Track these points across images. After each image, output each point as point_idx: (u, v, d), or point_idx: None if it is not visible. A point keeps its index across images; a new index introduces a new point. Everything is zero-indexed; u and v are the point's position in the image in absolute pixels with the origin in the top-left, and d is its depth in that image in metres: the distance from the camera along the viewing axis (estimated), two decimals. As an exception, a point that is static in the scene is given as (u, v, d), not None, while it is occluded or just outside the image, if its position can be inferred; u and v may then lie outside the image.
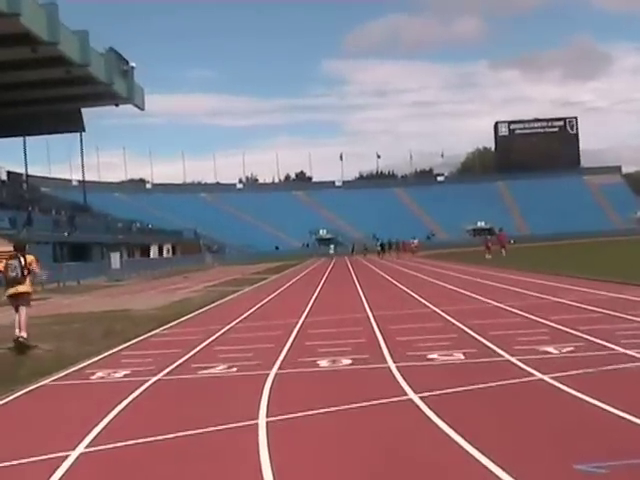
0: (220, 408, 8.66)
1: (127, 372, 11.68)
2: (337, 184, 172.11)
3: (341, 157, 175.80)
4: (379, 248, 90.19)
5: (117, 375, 11.50)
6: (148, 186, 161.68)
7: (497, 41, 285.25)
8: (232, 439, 7.24)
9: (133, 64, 66.98)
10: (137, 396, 9.72)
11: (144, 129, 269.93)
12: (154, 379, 10.88)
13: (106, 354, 13.99)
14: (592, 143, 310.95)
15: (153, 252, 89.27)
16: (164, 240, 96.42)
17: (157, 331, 17.53)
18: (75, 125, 75.01)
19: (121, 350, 14.57)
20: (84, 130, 77.97)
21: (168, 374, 11.32)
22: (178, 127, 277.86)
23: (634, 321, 13.96)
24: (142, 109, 73.91)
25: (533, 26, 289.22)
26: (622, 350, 10.76)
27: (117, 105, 70.73)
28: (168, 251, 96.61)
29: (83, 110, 74.48)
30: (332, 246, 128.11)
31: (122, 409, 8.93)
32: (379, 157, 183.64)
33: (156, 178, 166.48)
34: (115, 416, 8.55)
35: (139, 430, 7.74)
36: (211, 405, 8.90)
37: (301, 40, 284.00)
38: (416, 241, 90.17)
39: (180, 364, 12.20)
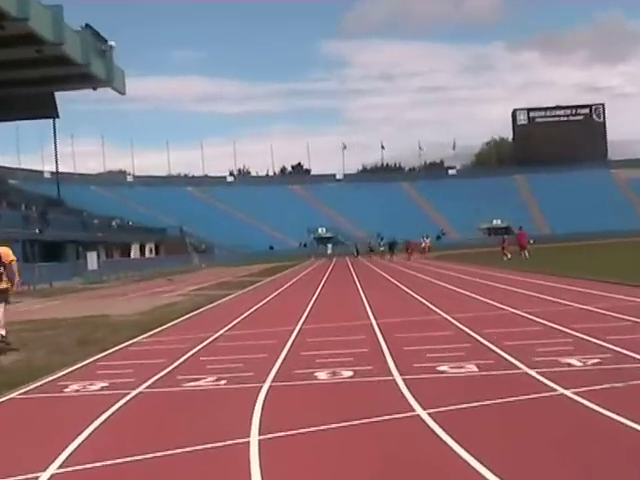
0: (208, 424, 8.67)
1: (105, 384, 11.67)
2: (338, 177, 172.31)
3: (344, 147, 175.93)
4: (382, 248, 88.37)
5: (94, 388, 11.49)
6: (129, 178, 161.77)
7: (515, 19, 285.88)
8: (221, 458, 7.24)
9: (112, 43, 67.07)
10: (116, 411, 9.71)
11: (125, 115, 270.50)
12: (135, 392, 10.88)
13: (82, 364, 13.98)
14: (621, 133, 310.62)
15: (134, 252, 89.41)
16: (146, 239, 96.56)
17: (138, 339, 17.53)
18: (48, 110, 75.13)
19: (98, 360, 14.56)
20: (58, 116, 78.23)
21: (150, 387, 11.32)
22: (162, 113, 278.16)
23: (666, 330, 13.98)
24: (122, 93, 74.04)
25: (555, 2, 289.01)
26: (653, 362, 10.79)
27: (95, 89, 70.86)
28: (151, 251, 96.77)
29: (57, 94, 74.65)
30: (330, 245, 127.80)
31: (99, 425, 8.91)
32: (383, 148, 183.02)
33: (138, 170, 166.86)
34: (91, 433, 8.53)
35: (118, 449, 7.73)
36: (198, 421, 8.90)
37: (297, 18, 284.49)
38: (428, 240, 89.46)
39: (164, 375, 12.20)
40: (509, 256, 55.30)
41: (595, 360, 11.27)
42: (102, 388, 11.42)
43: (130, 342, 16.97)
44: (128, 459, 7.31)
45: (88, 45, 61.22)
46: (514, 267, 42.21)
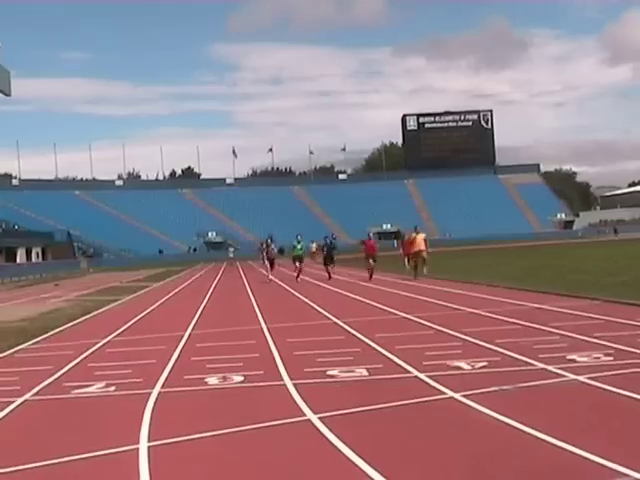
0: (96, 432, 8.56)
1: (-11, 392, 11.45)
2: (228, 181, 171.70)
3: (234, 151, 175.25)
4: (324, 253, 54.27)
5: (-23, 396, 11.27)
6: (15, 182, 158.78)
7: (400, 25, 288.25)
8: (110, 467, 7.16)
9: (-3, 43, 65.95)
10: (0, 419, 9.55)
11: (10, 118, 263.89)
12: (20, 400, 10.69)
13: (-35, 372, 13.71)
14: (508, 139, 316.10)
15: (20, 256, 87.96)
16: (33, 243, 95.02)
17: (24, 346, 17.22)
18: None
19: (-18, 367, 14.29)
20: (-60, 117, 76.44)
21: (37, 394, 11.13)
22: (50, 116, 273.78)
23: (554, 334, 14.24)
24: (8, 95, 72.71)
25: (439, 8, 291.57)
26: (541, 365, 10.97)
27: (-22, 90, 69.45)
28: (37, 255, 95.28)
29: (-61, 95, 72.97)
30: (231, 249, 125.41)
31: (-17, 434, 8.76)
32: (270, 151, 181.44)
33: (24, 173, 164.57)
34: (-25, 442, 8.38)
35: (3, 459, 7.59)
36: (86, 429, 8.78)
37: (187, 20, 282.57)
38: (423, 235, 49.78)
39: (51, 383, 12.02)
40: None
41: (483, 363, 11.45)
42: (-14, 396, 11.20)
43: (16, 349, 16.67)
44: (13, 469, 7.18)
45: (-30, 45, 60.22)
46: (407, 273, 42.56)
